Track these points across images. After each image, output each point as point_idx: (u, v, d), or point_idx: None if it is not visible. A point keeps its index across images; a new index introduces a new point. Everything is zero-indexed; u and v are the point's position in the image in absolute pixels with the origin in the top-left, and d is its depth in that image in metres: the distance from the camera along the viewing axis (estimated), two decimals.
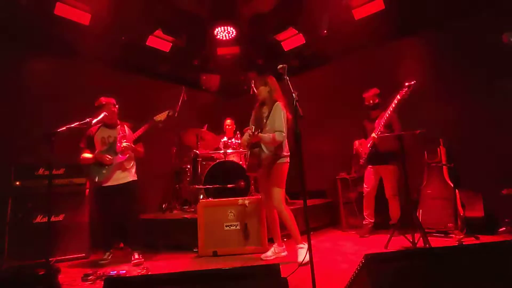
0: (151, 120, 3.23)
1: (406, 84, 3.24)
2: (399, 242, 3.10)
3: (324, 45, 4.87)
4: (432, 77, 4.05)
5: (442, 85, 4.01)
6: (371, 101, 3.80)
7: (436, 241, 3.14)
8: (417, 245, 2.78)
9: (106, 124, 3.25)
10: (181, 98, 4.32)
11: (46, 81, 4.13)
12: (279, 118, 2.83)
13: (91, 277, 2.56)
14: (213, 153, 4.52)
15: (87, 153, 3.16)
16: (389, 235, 3.10)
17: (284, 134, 2.82)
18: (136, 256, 3.10)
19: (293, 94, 2.10)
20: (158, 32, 4.55)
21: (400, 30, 4.40)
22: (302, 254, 2.77)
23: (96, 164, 3.13)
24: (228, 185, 3.82)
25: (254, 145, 2.91)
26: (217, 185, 3.85)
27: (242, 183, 3.82)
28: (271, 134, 2.79)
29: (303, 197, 2.03)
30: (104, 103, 3.17)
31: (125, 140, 3.13)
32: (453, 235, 3.24)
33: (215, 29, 4.46)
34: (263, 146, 2.90)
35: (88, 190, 3.55)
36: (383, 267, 1.22)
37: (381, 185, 3.79)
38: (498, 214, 3.36)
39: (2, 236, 3.04)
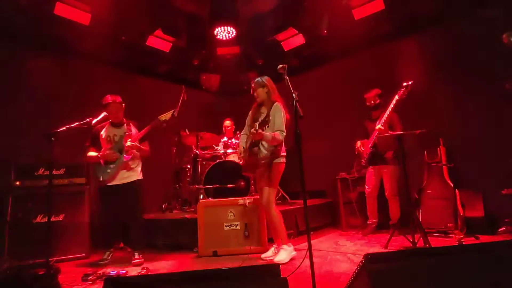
0: (156, 119, 3.22)
1: (404, 84, 3.28)
2: (399, 242, 3.10)
3: (324, 45, 4.87)
4: (432, 77, 4.05)
5: (442, 85, 4.01)
6: (372, 102, 3.80)
7: (436, 241, 3.14)
8: (417, 245, 2.78)
9: (112, 122, 3.25)
10: (181, 98, 4.32)
11: (46, 81, 4.14)
12: (279, 117, 2.84)
13: (91, 277, 2.55)
14: (213, 153, 4.53)
15: (93, 151, 3.17)
16: (389, 235, 3.10)
17: (284, 133, 2.83)
18: (136, 256, 3.10)
19: (293, 94, 2.10)
20: (158, 32, 4.55)
21: (400, 30, 4.41)
22: (282, 254, 2.78)
23: (100, 163, 3.14)
24: (228, 185, 3.82)
25: (254, 144, 2.91)
26: (217, 185, 3.85)
27: (242, 183, 3.82)
28: (272, 133, 2.80)
29: (303, 197, 2.02)
30: (110, 101, 3.16)
31: (130, 140, 3.13)
32: (453, 235, 3.24)
33: (215, 29, 4.46)
34: (261, 146, 2.90)
35: (88, 188, 3.54)
36: (383, 267, 1.22)
37: (382, 185, 3.79)
38: (498, 214, 3.36)
39: (2, 236, 3.03)
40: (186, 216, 3.71)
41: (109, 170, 3.12)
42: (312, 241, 1.94)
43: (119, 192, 3.14)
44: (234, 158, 4.31)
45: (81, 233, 3.41)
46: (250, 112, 3.13)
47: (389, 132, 3.41)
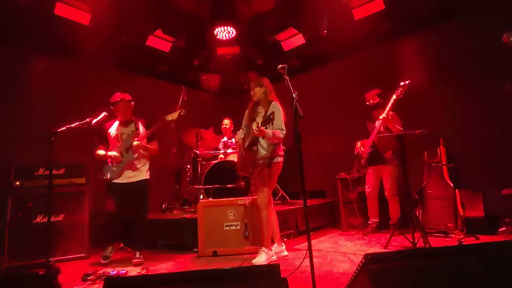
0: (162, 119, 3.21)
1: (401, 83, 3.29)
2: (399, 242, 3.11)
3: (324, 45, 4.87)
4: (432, 77, 4.05)
5: (442, 85, 4.01)
6: (372, 101, 3.80)
7: (436, 241, 3.14)
8: (417, 245, 2.78)
9: (121, 120, 3.25)
10: (181, 98, 4.31)
11: (46, 81, 4.14)
12: (278, 116, 2.84)
13: (91, 277, 2.55)
14: (213, 153, 4.52)
15: (101, 149, 3.18)
16: (389, 235, 3.10)
17: (285, 132, 2.83)
18: (137, 256, 3.10)
19: (293, 94, 2.10)
20: (158, 32, 4.55)
21: (400, 30, 4.41)
22: (262, 256, 2.77)
23: (107, 162, 3.16)
24: (228, 185, 3.82)
25: (253, 142, 2.90)
26: (217, 185, 3.85)
27: (242, 183, 3.81)
28: (273, 130, 2.79)
29: (303, 197, 2.02)
30: (119, 99, 3.16)
31: (136, 139, 3.13)
32: (453, 235, 3.24)
33: (215, 29, 4.46)
34: (260, 145, 2.90)
35: (88, 188, 3.54)
36: (383, 267, 1.22)
37: (382, 185, 3.79)
38: (498, 214, 3.36)
39: (2, 236, 3.03)
40: (186, 216, 3.71)
41: (114, 169, 3.14)
42: (312, 241, 1.94)
43: (126, 190, 3.15)
44: (234, 158, 4.30)
45: (81, 233, 3.41)
46: (247, 111, 3.14)
47: (391, 125, 3.41)
